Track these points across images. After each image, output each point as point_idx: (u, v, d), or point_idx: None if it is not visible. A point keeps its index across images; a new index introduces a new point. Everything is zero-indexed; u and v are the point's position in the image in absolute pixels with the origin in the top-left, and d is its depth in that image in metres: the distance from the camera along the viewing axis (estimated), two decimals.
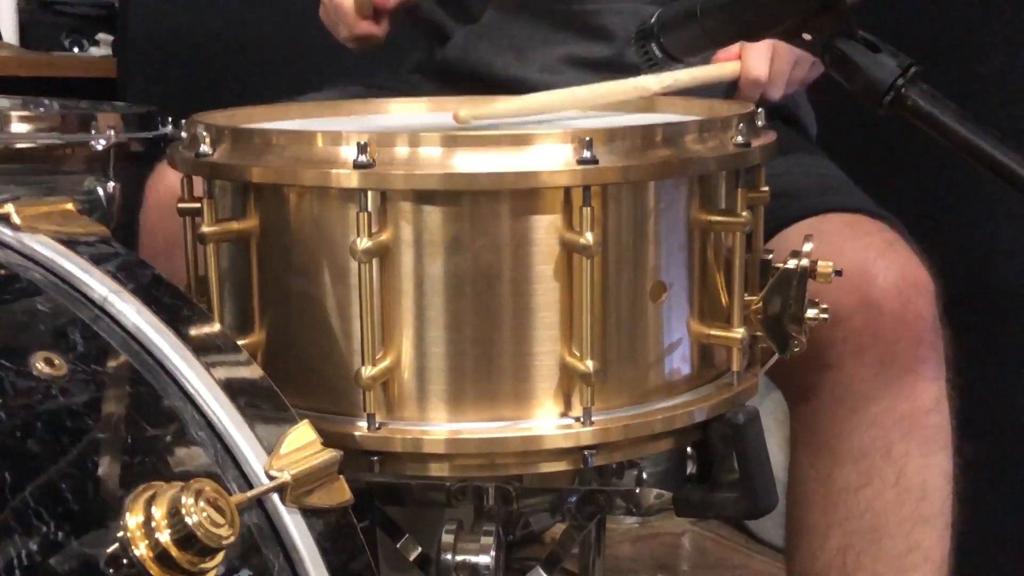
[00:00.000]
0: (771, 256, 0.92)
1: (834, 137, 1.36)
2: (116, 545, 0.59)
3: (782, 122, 1.25)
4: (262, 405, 0.72)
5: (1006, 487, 1.57)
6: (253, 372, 0.74)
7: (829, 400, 1.04)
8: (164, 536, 0.59)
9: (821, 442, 1.06)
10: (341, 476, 0.71)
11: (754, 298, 0.89)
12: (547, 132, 0.76)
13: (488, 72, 1.26)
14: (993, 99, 1.55)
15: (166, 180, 1.22)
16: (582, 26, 1.26)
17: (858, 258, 1.02)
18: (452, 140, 0.76)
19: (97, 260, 0.76)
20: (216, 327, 0.76)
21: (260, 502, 0.67)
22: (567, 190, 0.76)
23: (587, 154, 0.75)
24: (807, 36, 0.84)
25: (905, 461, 1.02)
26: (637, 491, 1.01)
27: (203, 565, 0.60)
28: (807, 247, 0.88)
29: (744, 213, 0.84)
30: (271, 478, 0.68)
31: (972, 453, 1.06)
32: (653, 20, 0.90)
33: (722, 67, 1.08)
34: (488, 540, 0.91)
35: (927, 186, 1.62)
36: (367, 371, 0.77)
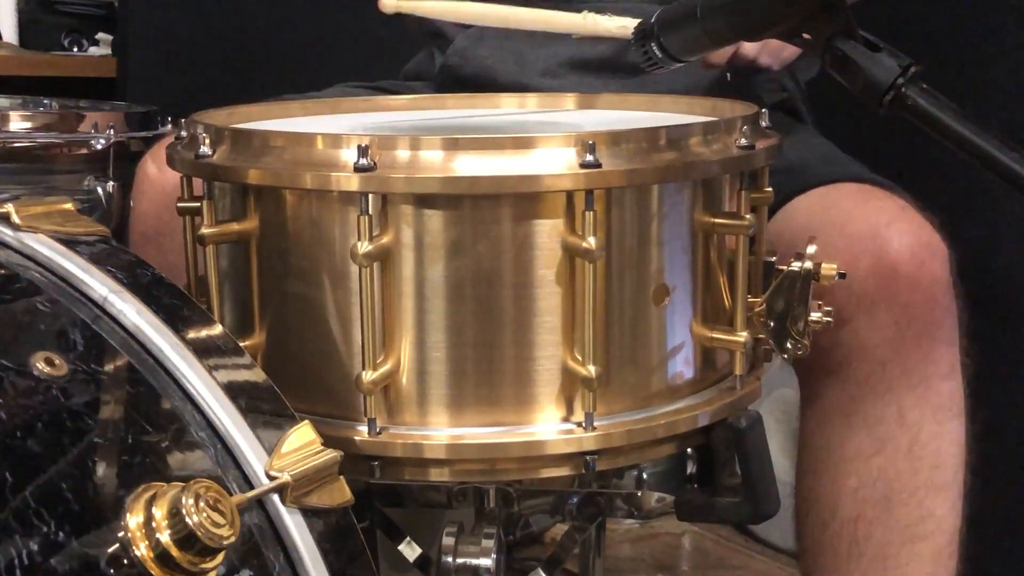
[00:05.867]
0: (774, 258, 0.92)
1: (835, 138, 1.35)
2: (117, 545, 0.59)
3: (784, 113, 1.26)
4: (262, 406, 0.72)
5: (1007, 487, 1.57)
6: (254, 373, 0.74)
7: (842, 365, 1.02)
8: (165, 536, 0.59)
9: (833, 408, 1.03)
10: (341, 477, 0.71)
11: (757, 300, 0.89)
12: (550, 135, 0.76)
13: (489, 78, 1.26)
14: (994, 100, 1.55)
15: (155, 166, 1.21)
16: None
17: (871, 222, 1.00)
18: (453, 143, 0.75)
19: (97, 260, 0.75)
20: (217, 328, 0.75)
21: (260, 502, 0.67)
22: (570, 194, 0.76)
23: (590, 158, 0.74)
24: (807, 36, 0.84)
25: (919, 428, 1.00)
26: (638, 494, 1.01)
27: (204, 565, 0.60)
28: (810, 249, 0.88)
29: (747, 216, 0.84)
30: (271, 478, 0.68)
31: (980, 432, 1.05)
32: (653, 20, 0.90)
33: None
34: (489, 542, 0.90)
35: (927, 187, 1.61)
36: (368, 375, 0.77)
